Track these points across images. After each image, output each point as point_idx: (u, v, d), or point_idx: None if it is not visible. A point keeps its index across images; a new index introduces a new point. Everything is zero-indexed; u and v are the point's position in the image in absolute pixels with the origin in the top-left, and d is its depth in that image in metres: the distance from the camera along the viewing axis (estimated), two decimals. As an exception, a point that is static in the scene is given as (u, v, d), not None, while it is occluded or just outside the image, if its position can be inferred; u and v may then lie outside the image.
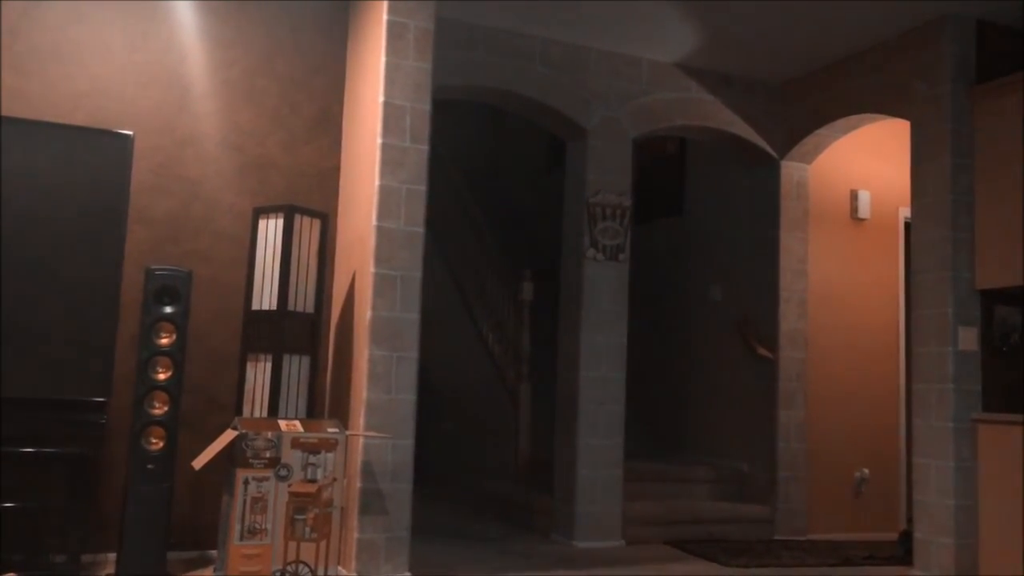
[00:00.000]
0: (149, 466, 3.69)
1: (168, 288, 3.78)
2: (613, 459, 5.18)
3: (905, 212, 5.90)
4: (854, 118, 5.42)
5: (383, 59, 4.01)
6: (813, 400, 5.74)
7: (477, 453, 6.74)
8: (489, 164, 8.78)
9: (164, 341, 3.75)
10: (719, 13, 4.85)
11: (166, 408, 3.73)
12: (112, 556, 3.86)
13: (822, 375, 5.79)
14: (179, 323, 3.78)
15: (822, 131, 5.60)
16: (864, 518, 5.79)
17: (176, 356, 3.76)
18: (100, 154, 3.75)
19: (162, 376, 3.73)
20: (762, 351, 5.73)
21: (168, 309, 3.77)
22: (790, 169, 5.81)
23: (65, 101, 4.12)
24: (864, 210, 6.00)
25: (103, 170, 3.73)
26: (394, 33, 4.02)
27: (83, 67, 4.18)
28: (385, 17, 4.03)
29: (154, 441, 3.71)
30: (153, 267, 3.83)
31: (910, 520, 5.01)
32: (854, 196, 5.99)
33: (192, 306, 3.92)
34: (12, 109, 3.95)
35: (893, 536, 5.56)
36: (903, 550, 4.97)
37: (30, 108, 4.01)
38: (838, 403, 5.83)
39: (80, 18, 4.18)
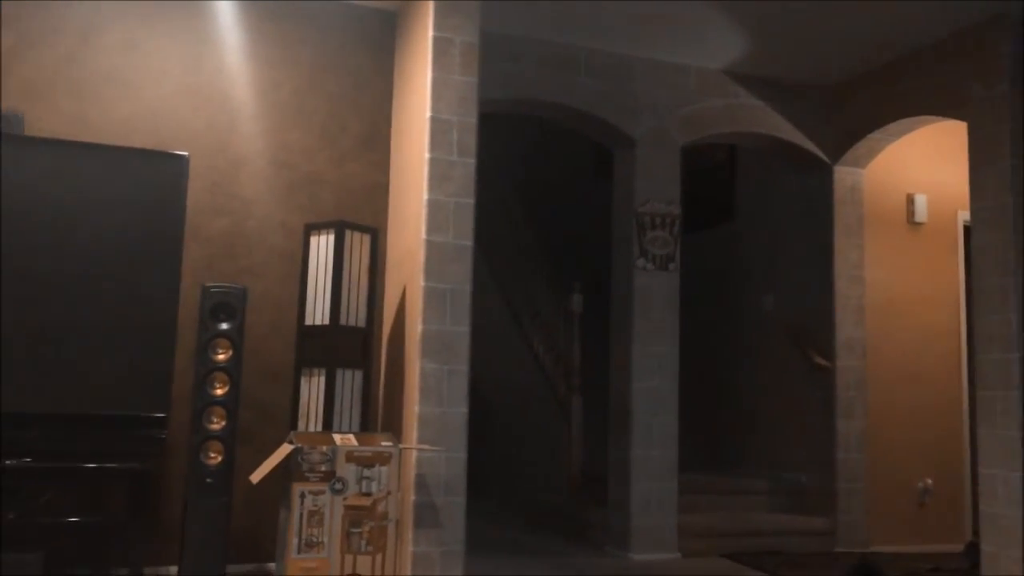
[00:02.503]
0: (208, 480, 3.74)
1: (224, 304, 3.85)
2: (668, 471, 5.13)
3: (964, 216, 5.76)
4: (909, 120, 5.31)
5: (429, 75, 4.04)
6: (873, 409, 5.61)
7: (529, 465, 6.72)
8: (535, 175, 8.78)
9: (221, 357, 3.81)
10: (767, 17, 4.79)
11: (223, 423, 3.79)
12: (173, 570, 3.93)
13: (882, 384, 5.66)
14: (235, 339, 3.84)
15: (876, 135, 5.49)
16: (928, 529, 5.63)
17: (232, 371, 3.82)
18: (157, 175, 3.83)
19: (219, 391, 3.79)
20: (819, 360, 5.62)
21: (224, 325, 3.83)
22: (843, 174, 5.71)
23: (122, 124, 4.23)
24: (921, 214, 5.87)
25: (160, 190, 3.82)
26: (440, 49, 4.06)
27: (139, 91, 4.29)
28: (431, 33, 4.06)
29: (212, 455, 3.77)
30: (209, 284, 3.90)
31: (976, 532, 4.86)
32: (911, 200, 5.86)
33: (247, 322, 3.98)
34: (73, 133, 4.07)
35: (959, 548, 5.40)
36: (969, 562, 4.81)
37: (89, 132, 4.13)
38: (899, 412, 5.69)
39: (135, 44, 4.30)
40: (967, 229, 5.61)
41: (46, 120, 4.09)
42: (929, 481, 5.70)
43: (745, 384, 6.44)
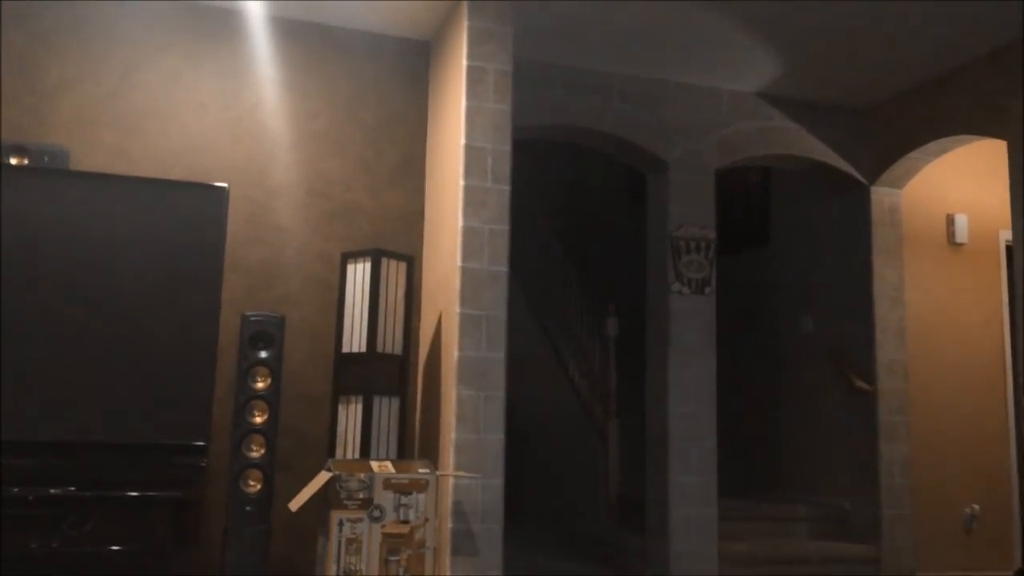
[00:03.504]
0: (247, 508, 3.77)
1: (262, 333, 3.89)
2: (707, 497, 5.06)
3: (1006, 235, 5.67)
4: (947, 140, 5.25)
5: (463, 103, 4.08)
6: (917, 433, 5.51)
7: (566, 492, 6.68)
8: (571, 201, 8.80)
9: (260, 385, 3.85)
10: (800, 40, 4.78)
11: (263, 451, 3.81)
12: (213, 597, 3.95)
13: (925, 407, 5.56)
14: (274, 367, 3.88)
15: (913, 155, 5.43)
16: (976, 556, 5.49)
17: (271, 400, 3.85)
18: (198, 206, 3.89)
19: (258, 420, 3.82)
20: (860, 384, 5.53)
21: (263, 354, 3.87)
22: (881, 195, 5.65)
23: (164, 157, 4.32)
24: (962, 235, 5.78)
25: (200, 221, 3.87)
26: (474, 78, 4.10)
27: (179, 125, 4.38)
28: (465, 62, 4.11)
29: (252, 483, 3.79)
30: (248, 313, 3.94)
31: (1028, 559, 4.74)
32: (951, 220, 5.78)
33: (285, 350, 4.02)
34: (116, 166, 4.17)
35: (1008, 575, 5.27)
36: (1021, 591, 4.69)
37: (132, 165, 4.22)
38: (944, 436, 5.58)
39: (176, 79, 4.40)
40: (1009, 249, 5.53)
41: (90, 154, 4.19)
42: (976, 507, 5.57)
43: (784, 408, 6.36)
